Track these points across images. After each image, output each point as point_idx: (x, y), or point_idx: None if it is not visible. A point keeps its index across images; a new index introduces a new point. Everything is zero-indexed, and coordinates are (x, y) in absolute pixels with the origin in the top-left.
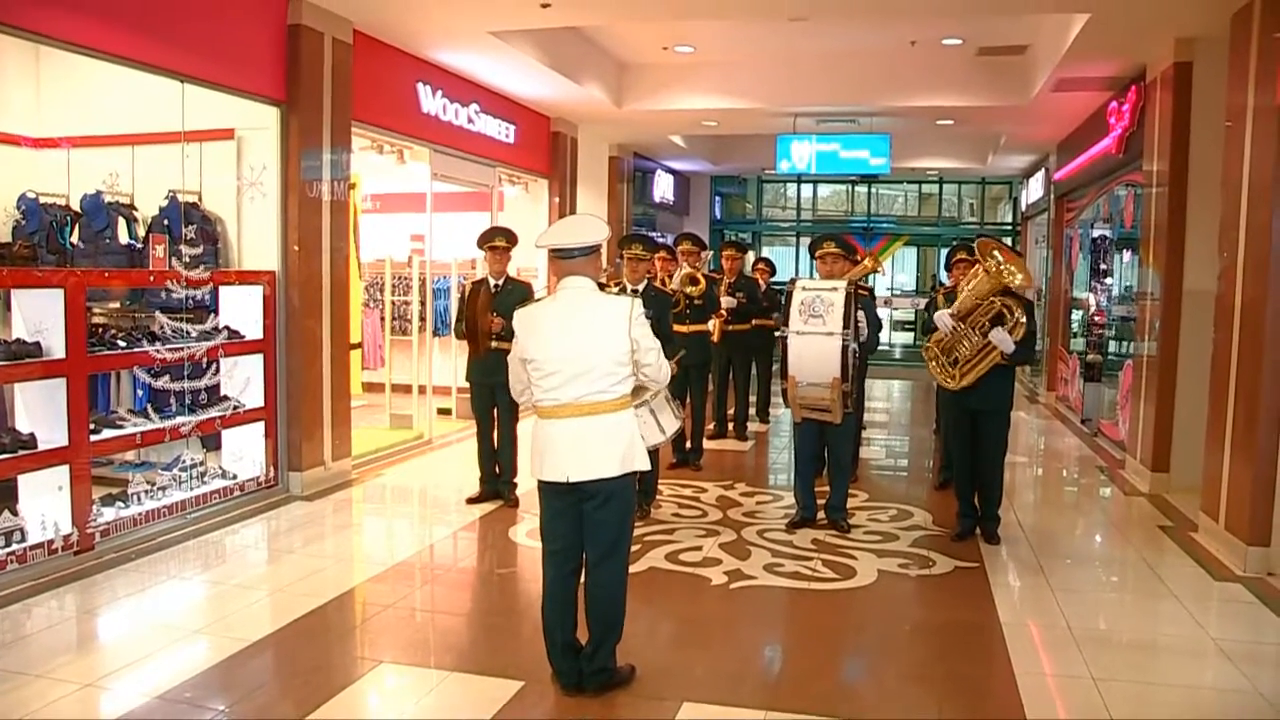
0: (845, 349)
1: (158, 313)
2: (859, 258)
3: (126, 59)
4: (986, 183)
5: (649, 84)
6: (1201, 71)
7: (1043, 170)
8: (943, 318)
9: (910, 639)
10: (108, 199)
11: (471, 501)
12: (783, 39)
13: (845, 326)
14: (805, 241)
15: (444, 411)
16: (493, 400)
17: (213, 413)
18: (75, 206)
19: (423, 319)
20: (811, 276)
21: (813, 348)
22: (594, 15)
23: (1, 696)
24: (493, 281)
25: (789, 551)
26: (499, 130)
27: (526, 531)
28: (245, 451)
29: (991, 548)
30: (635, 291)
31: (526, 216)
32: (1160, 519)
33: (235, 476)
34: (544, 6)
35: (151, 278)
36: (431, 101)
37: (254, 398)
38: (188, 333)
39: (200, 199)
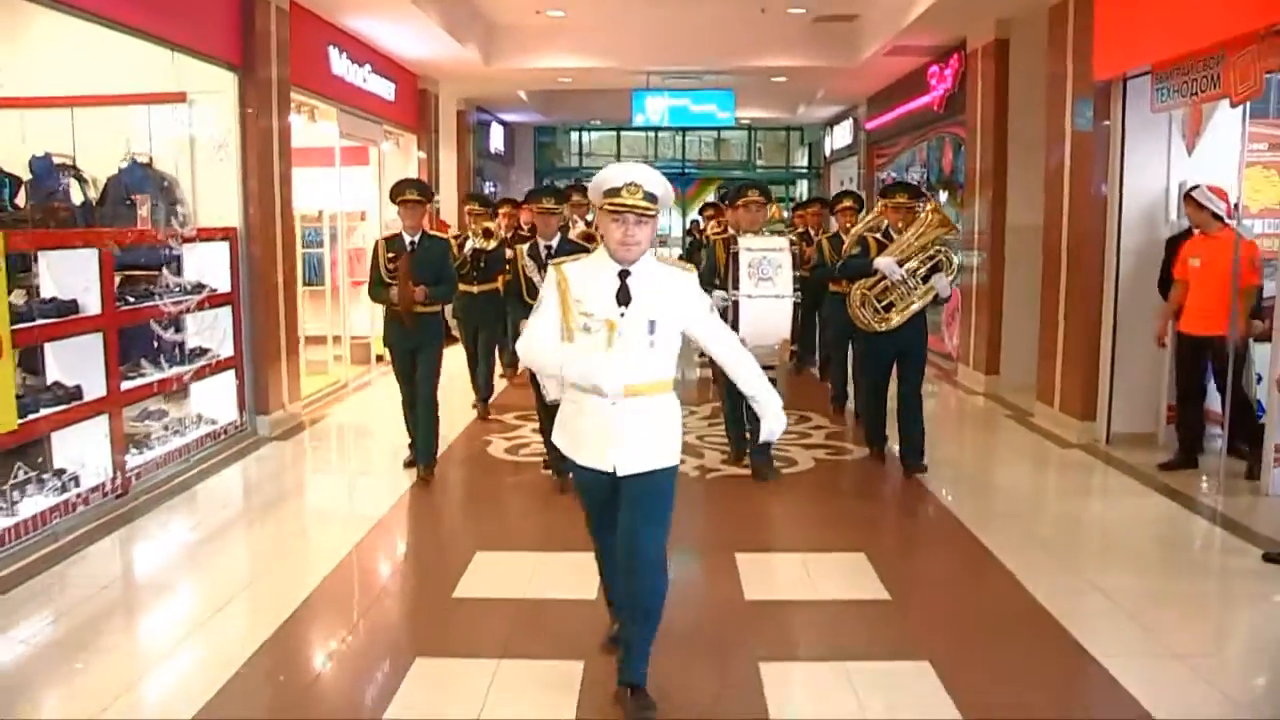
0: (794, 308)
1: (163, 269)
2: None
3: (106, 18)
4: (789, 130)
5: (516, 43)
6: (1016, 45)
7: (850, 120)
8: (891, 265)
9: (868, 503)
10: (56, 160)
11: (409, 465)
12: (646, 4)
13: (794, 286)
14: None
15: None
16: (414, 366)
17: (200, 363)
18: (10, 169)
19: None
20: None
21: (765, 311)
22: None
23: (63, 648)
24: (408, 238)
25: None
26: (384, 89)
27: (505, 449)
28: (221, 398)
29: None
30: (549, 248)
31: (398, 171)
32: (1001, 411)
33: (215, 422)
34: None
35: (160, 235)
36: (340, 64)
37: (226, 348)
38: (182, 287)
39: (152, 160)
